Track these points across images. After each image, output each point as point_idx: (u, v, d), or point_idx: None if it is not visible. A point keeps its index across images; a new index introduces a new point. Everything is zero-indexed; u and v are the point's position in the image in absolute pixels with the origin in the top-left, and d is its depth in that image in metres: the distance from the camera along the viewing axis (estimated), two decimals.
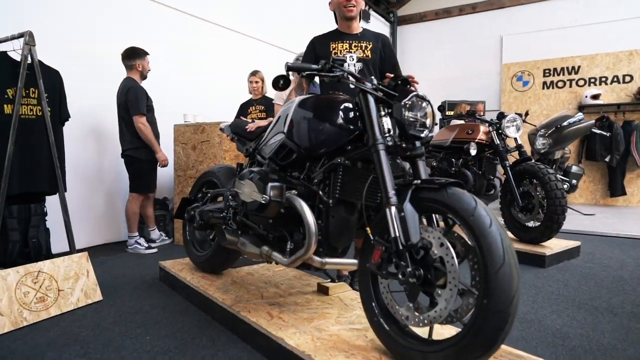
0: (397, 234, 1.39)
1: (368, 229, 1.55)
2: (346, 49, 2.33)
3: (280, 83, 1.65)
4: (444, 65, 8.69)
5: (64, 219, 2.55)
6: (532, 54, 7.59)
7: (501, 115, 3.82)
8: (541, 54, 7.47)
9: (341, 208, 1.74)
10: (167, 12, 4.49)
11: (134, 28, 4.14)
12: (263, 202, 1.70)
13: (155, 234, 4.00)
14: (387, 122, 1.60)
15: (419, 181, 1.46)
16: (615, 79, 6.83)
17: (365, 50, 2.33)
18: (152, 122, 3.74)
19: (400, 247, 1.39)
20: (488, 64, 8.36)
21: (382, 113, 1.62)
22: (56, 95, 2.72)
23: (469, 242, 1.31)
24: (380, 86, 1.65)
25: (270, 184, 1.71)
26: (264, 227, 1.91)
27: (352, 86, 1.65)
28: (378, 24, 8.69)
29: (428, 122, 1.61)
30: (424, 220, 1.49)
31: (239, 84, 4.89)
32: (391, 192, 1.45)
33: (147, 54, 3.72)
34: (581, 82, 7.04)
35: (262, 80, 4.55)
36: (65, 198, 2.57)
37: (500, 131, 3.80)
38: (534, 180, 3.46)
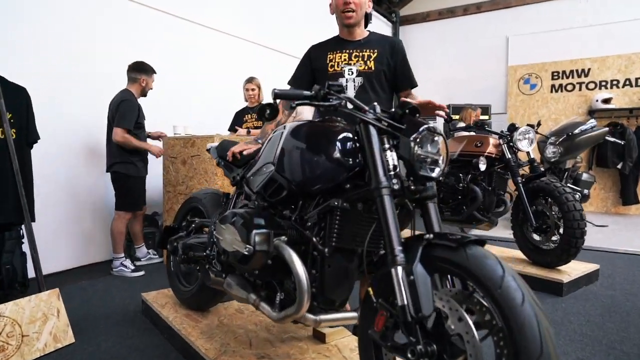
0: (406, 302, 1.14)
1: (370, 289, 1.30)
2: (345, 60, 2.02)
3: (266, 113, 1.40)
4: (448, 66, 8.42)
5: (31, 254, 2.31)
6: (540, 56, 7.31)
7: (512, 127, 3.56)
8: (549, 55, 7.19)
9: (339, 256, 1.49)
10: (156, 15, 4.24)
11: (121, 32, 3.89)
12: (246, 253, 1.45)
13: (141, 251, 3.76)
14: (392, 157, 1.35)
15: (431, 236, 1.21)
16: (627, 82, 6.55)
17: (368, 61, 2.01)
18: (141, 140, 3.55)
19: (409, 319, 1.14)
20: (493, 66, 8.09)
21: (387, 146, 1.38)
22: (22, 115, 2.48)
23: (496, 318, 1.06)
24: (384, 116, 1.40)
25: (255, 232, 1.45)
26: (250, 275, 1.67)
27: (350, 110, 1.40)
28: (380, 24, 8.41)
29: (441, 159, 1.36)
30: (437, 278, 1.24)
31: (235, 91, 4.64)
32: (397, 249, 1.20)
33: (154, 72, 3.58)
34: (591, 86, 6.76)
35: (259, 88, 4.35)
36: (32, 230, 2.31)
37: (511, 144, 3.54)
38: (549, 199, 3.21)
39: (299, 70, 2.18)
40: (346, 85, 2.01)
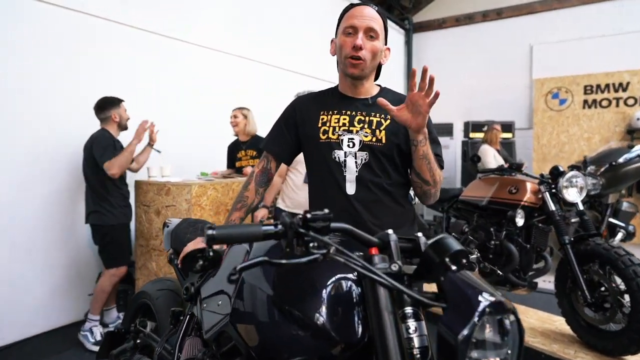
0: None
1: None
2: (344, 125, 1.40)
3: (197, 264, 0.81)
4: (466, 78, 7.72)
5: None
6: (569, 67, 6.60)
7: (556, 171, 2.90)
8: (580, 67, 6.47)
9: None
10: (130, 32, 3.66)
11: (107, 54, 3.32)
12: None
13: (111, 316, 3.18)
14: (415, 329, 0.76)
15: None
16: None
17: (377, 130, 1.37)
18: (123, 184, 3.07)
19: None
20: (516, 77, 7.38)
21: (409, 311, 0.78)
22: None
23: None
24: (405, 272, 0.79)
25: None
26: None
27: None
28: (391, 32, 7.73)
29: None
30: None
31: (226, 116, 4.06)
32: None
33: (121, 100, 3.06)
34: (630, 101, 6.02)
35: (245, 117, 3.79)
36: None
37: (554, 191, 2.88)
38: (607, 266, 2.55)
39: (276, 129, 1.54)
40: (344, 161, 1.39)
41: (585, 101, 6.31)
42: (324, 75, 5.33)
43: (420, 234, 0.94)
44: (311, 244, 0.77)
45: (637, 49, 6.18)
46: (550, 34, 7.13)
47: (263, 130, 4.12)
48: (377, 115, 1.40)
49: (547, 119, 6.59)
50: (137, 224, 3.19)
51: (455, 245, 0.81)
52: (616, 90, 6.10)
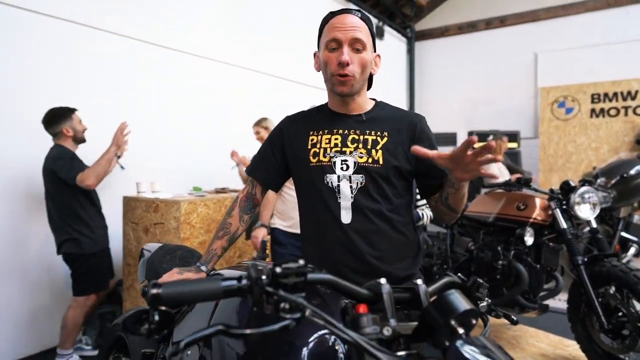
0: None
1: None
2: (336, 146, 1.24)
3: (142, 328, 0.65)
4: (469, 86, 7.59)
5: None
6: (576, 76, 6.46)
7: (567, 186, 2.72)
8: (587, 75, 6.33)
9: None
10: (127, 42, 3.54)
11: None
12: None
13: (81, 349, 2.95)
14: None
15: None
16: None
17: (374, 150, 1.22)
18: (90, 202, 2.79)
19: None
20: (520, 86, 7.26)
21: None
22: None
23: None
24: (401, 332, 0.64)
25: None
26: None
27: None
28: (393, 41, 7.65)
29: None
30: None
31: (233, 131, 3.93)
32: None
33: (73, 111, 2.73)
34: (639, 110, 5.86)
35: (266, 129, 3.67)
36: None
37: (564, 207, 2.71)
38: (625, 290, 2.37)
39: (262, 153, 1.39)
40: (338, 186, 1.23)
41: (593, 110, 6.14)
42: (318, 82, 5.18)
43: (419, 282, 0.78)
44: (282, 304, 0.61)
45: None
46: (555, 42, 7.00)
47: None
48: (373, 133, 1.24)
49: (554, 128, 6.42)
50: (125, 242, 3.04)
51: (462, 303, 0.65)
52: (624, 99, 5.94)
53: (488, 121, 7.18)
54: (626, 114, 5.93)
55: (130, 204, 3.00)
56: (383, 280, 0.73)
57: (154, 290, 0.60)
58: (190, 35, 4.02)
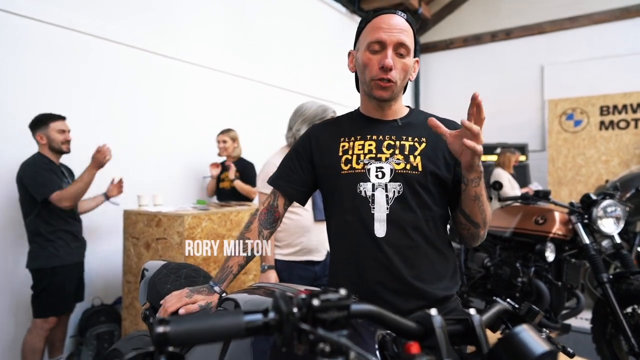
0: None
1: None
2: (371, 152, 1.14)
3: None
4: None
5: None
6: (583, 88, 6.37)
7: (588, 199, 2.61)
8: (595, 87, 6.24)
9: None
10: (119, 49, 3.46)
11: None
12: None
13: None
14: None
15: None
16: None
17: (412, 156, 1.13)
18: (70, 216, 2.66)
19: None
20: (527, 99, 7.16)
21: None
22: None
23: None
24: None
25: None
26: None
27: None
28: None
29: None
30: None
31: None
32: None
33: (57, 118, 2.58)
34: None
35: (234, 140, 3.74)
36: None
37: (586, 221, 2.59)
38: None
39: (287, 162, 1.28)
40: (372, 195, 1.12)
41: (602, 122, 6.05)
42: (313, 92, 5.09)
43: (472, 311, 0.66)
44: (320, 345, 0.49)
45: None
46: (562, 54, 6.94)
47: (247, 151, 3.96)
48: (410, 138, 1.14)
49: (562, 140, 6.32)
50: (125, 258, 2.91)
51: (539, 344, 0.53)
52: (634, 111, 5.85)
53: (495, 134, 7.07)
54: (636, 127, 5.83)
55: (131, 218, 2.88)
56: (434, 312, 0.61)
57: (161, 329, 0.48)
58: (194, 46, 3.95)
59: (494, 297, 0.82)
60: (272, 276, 2.14)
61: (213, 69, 4.15)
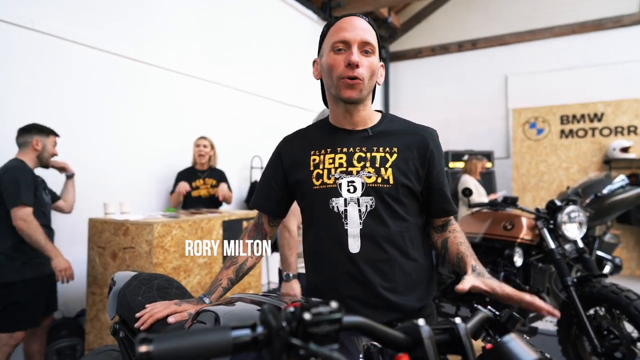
0: None
1: None
2: (341, 165, 1.12)
3: None
4: (443, 107, 7.69)
5: None
6: (545, 98, 6.64)
7: (553, 205, 2.70)
8: (556, 98, 6.52)
9: None
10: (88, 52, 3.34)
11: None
12: None
13: None
14: None
15: None
16: None
17: (383, 169, 1.11)
18: (45, 225, 2.55)
19: None
20: (492, 107, 7.39)
21: None
22: None
23: None
24: None
25: None
26: None
27: None
28: None
29: None
30: None
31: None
32: None
33: (55, 135, 2.63)
34: (606, 132, 6.06)
35: (213, 147, 3.61)
36: None
37: (551, 226, 2.68)
38: (617, 311, 2.33)
39: (264, 181, 1.28)
40: (345, 211, 1.11)
41: (562, 131, 6.32)
42: (285, 98, 5.12)
43: (458, 320, 0.66)
44: None
45: (607, 81, 6.26)
46: (524, 65, 7.20)
47: (221, 160, 3.91)
48: (381, 149, 1.12)
49: (526, 148, 6.56)
50: (90, 269, 2.79)
51: (528, 353, 0.53)
52: (591, 121, 6.14)
53: (462, 141, 7.26)
54: (593, 135, 6.12)
55: (96, 227, 2.76)
56: (421, 322, 0.61)
57: (144, 348, 0.45)
58: (165, 51, 3.86)
59: (475, 305, 0.82)
60: (296, 286, 2.07)
61: (185, 74, 4.07)
